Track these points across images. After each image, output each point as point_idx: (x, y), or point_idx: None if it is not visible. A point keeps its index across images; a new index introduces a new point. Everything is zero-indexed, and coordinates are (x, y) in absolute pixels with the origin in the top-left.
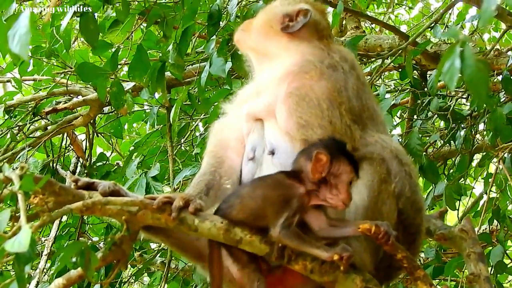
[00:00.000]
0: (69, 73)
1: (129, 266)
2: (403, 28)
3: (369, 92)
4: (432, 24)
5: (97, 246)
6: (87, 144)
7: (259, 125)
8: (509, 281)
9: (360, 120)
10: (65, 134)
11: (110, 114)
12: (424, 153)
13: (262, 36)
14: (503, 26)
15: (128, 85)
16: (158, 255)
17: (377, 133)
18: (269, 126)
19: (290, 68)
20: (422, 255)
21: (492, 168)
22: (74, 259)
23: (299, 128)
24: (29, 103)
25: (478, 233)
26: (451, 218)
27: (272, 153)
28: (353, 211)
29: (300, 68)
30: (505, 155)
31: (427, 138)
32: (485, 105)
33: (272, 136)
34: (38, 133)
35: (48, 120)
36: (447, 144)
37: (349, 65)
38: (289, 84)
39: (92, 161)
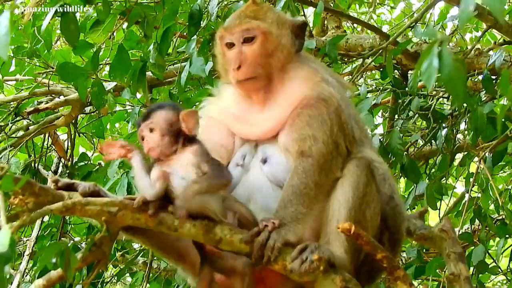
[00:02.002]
0: (51, 73)
1: (111, 266)
2: (385, 28)
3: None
4: (413, 24)
5: (79, 246)
6: (69, 144)
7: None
8: (491, 281)
9: (357, 146)
10: (47, 134)
11: (92, 114)
12: (405, 152)
13: (274, 62)
14: (484, 25)
15: (109, 85)
16: (140, 255)
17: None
18: (266, 142)
19: (305, 102)
20: (404, 255)
21: (473, 168)
22: (54, 260)
23: (298, 141)
24: (11, 103)
25: (460, 233)
26: (434, 218)
27: (265, 161)
28: (336, 210)
29: (315, 100)
30: (486, 154)
31: (409, 137)
32: (466, 105)
33: (267, 147)
34: (20, 133)
35: (30, 120)
36: (428, 144)
37: (342, 85)
38: (302, 109)
39: (74, 161)
